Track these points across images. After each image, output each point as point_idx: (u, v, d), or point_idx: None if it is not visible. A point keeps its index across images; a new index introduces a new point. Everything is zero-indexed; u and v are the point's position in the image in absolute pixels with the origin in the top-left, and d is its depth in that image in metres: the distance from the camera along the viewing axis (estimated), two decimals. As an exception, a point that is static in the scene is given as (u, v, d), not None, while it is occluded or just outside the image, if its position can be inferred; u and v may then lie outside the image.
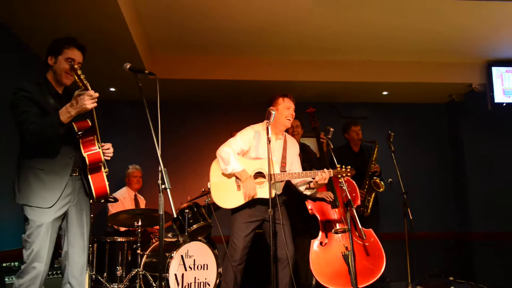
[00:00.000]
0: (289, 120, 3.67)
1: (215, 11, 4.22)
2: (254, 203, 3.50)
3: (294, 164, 3.76)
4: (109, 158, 2.83)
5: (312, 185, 3.59)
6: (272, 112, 3.31)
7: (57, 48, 2.69)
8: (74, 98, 2.47)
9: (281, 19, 4.45)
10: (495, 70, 5.64)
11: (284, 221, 3.57)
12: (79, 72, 2.45)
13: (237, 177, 3.52)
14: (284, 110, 3.64)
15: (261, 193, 3.47)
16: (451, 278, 5.52)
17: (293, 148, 3.82)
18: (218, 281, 4.24)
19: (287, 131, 4.63)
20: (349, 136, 5.13)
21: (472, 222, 5.98)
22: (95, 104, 2.49)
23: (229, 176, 3.55)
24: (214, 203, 3.76)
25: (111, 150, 2.83)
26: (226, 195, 3.51)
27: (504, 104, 5.63)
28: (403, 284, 4.64)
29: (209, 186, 3.60)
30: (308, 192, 3.74)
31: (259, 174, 3.53)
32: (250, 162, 3.57)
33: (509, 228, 5.80)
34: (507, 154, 6.05)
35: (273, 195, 3.40)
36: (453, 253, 6.15)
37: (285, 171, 3.61)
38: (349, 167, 3.59)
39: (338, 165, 3.59)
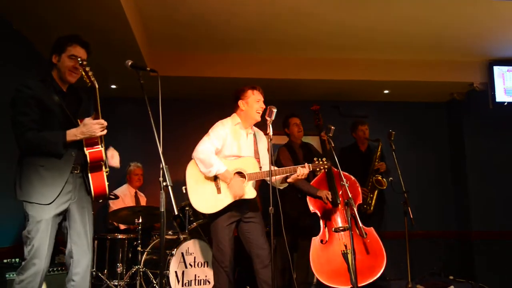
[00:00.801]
0: (259, 113, 3.46)
1: (218, 8, 4.21)
2: (232, 204, 3.34)
3: (264, 158, 3.60)
4: (116, 167, 2.87)
5: (290, 179, 3.45)
6: (274, 110, 3.22)
7: (60, 46, 2.69)
8: (83, 124, 2.52)
9: (282, 17, 4.44)
10: (497, 69, 5.63)
11: (259, 219, 3.48)
12: (88, 69, 2.44)
13: (218, 179, 3.36)
14: (254, 103, 3.46)
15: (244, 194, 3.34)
16: (451, 277, 5.53)
17: (262, 142, 3.65)
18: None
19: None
20: (356, 135, 5.14)
21: (472, 221, 5.97)
22: (105, 132, 2.56)
23: (207, 179, 3.37)
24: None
25: (117, 160, 2.87)
26: (206, 199, 3.33)
27: (506, 103, 5.61)
28: (403, 283, 4.64)
29: (184, 191, 3.39)
30: (281, 186, 3.61)
31: (239, 174, 3.39)
32: (229, 162, 3.40)
33: (509, 227, 5.80)
34: (508, 153, 6.04)
35: (254, 194, 3.37)
36: (453, 252, 6.15)
37: (261, 167, 3.49)
38: (325, 159, 3.51)
39: (315, 158, 3.53)
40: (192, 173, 3.40)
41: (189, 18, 4.41)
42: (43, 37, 3.97)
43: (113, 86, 5.52)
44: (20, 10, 3.61)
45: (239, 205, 3.35)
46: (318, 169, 3.50)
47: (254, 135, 3.57)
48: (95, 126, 2.51)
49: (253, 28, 4.66)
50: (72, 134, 2.52)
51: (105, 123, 2.54)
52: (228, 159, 3.43)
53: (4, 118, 3.45)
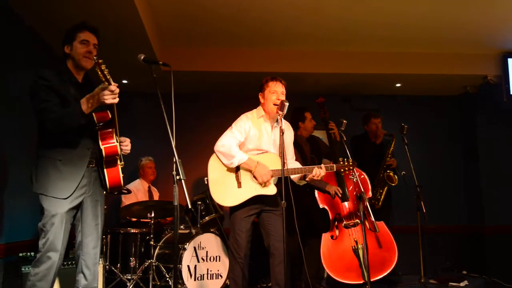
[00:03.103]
0: (276, 105, 3.35)
1: (229, 2, 4.20)
2: (252, 198, 3.34)
3: (288, 150, 3.54)
4: (126, 153, 2.84)
5: (307, 178, 3.46)
6: (286, 103, 3.18)
7: (70, 35, 2.70)
8: (95, 90, 2.47)
9: (293, 10, 4.41)
10: (511, 62, 5.55)
11: (280, 212, 3.48)
12: (103, 67, 2.44)
13: (239, 173, 3.36)
14: (269, 95, 3.42)
15: (263, 189, 3.33)
16: (464, 272, 5.50)
17: (288, 134, 3.57)
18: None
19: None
20: (368, 127, 5.11)
21: (485, 215, 5.92)
22: (116, 100, 2.48)
23: (228, 172, 3.38)
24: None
25: (129, 145, 2.84)
26: (226, 193, 3.35)
27: (520, 96, 5.54)
28: (416, 278, 4.62)
29: (206, 183, 3.42)
30: (300, 183, 3.62)
31: None
32: (251, 156, 3.39)
33: (522, 222, 5.76)
34: (522, 147, 5.98)
35: (275, 191, 3.35)
36: (465, 247, 6.10)
37: (285, 161, 3.47)
38: (351, 160, 3.50)
39: (340, 159, 3.52)
40: (213, 167, 3.42)
41: (199, 12, 4.40)
42: (55, 32, 3.98)
43: (125, 81, 5.54)
44: (32, 6, 3.63)
45: (259, 199, 3.35)
46: (342, 170, 3.48)
47: (281, 128, 3.50)
48: (106, 92, 2.42)
49: (262, 22, 4.64)
50: (85, 101, 2.47)
51: (117, 90, 2.46)
52: (251, 153, 3.42)
53: (20, 111, 3.53)
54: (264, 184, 3.31)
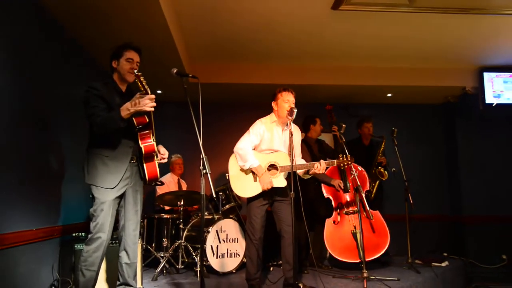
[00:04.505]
0: (288, 112, 3.34)
1: (245, 25, 4.22)
2: (266, 190, 3.35)
3: (296, 150, 3.52)
4: (162, 163, 2.85)
5: (310, 172, 3.44)
6: (294, 110, 3.20)
7: (118, 52, 2.75)
8: (135, 98, 2.50)
9: (302, 34, 4.43)
10: (486, 75, 5.50)
11: (289, 201, 3.41)
12: (142, 78, 2.48)
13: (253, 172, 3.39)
14: (283, 103, 3.39)
15: (275, 182, 3.33)
16: (445, 254, 5.45)
17: (296, 135, 3.55)
18: (247, 252, 4.26)
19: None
20: (361, 131, 5.06)
21: (463, 207, 5.89)
22: (153, 107, 2.50)
23: (246, 170, 3.42)
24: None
25: (166, 159, 2.86)
26: (244, 186, 3.38)
27: (494, 105, 5.49)
28: (404, 259, 4.60)
29: (227, 178, 3.47)
30: (305, 177, 3.61)
31: (272, 167, 3.40)
32: (264, 156, 3.41)
33: (495, 212, 5.74)
34: (496, 147, 5.94)
35: (285, 183, 3.37)
36: (447, 233, 6.05)
37: (294, 158, 3.44)
38: (349, 155, 3.50)
39: (340, 155, 3.51)
40: (233, 164, 3.46)
41: (224, 33, 4.42)
42: (98, 47, 4.03)
43: (159, 91, 5.59)
44: (84, 29, 3.69)
45: (272, 191, 3.36)
46: (342, 164, 3.48)
47: (290, 131, 3.45)
48: (146, 101, 2.44)
49: (278, 42, 4.66)
50: (125, 108, 2.48)
51: (154, 97, 2.47)
52: (264, 152, 3.44)
53: (74, 116, 3.59)
54: (267, 189, 3.31)
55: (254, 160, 3.34)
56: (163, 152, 2.82)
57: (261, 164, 3.36)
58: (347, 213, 4.16)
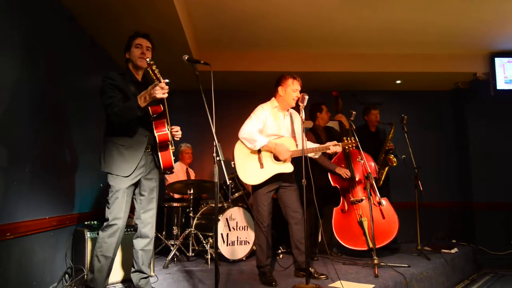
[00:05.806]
0: (294, 100, 3.40)
1: (253, 11, 4.23)
2: (271, 177, 3.36)
3: (299, 134, 3.51)
4: (178, 139, 2.88)
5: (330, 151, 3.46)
6: (306, 97, 3.21)
7: (128, 43, 2.81)
8: (149, 88, 2.52)
9: (309, 20, 4.42)
10: (498, 61, 5.47)
11: (295, 187, 3.47)
12: (154, 67, 2.50)
13: (260, 155, 3.37)
14: (291, 92, 3.40)
15: (282, 168, 3.35)
16: (454, 241, 5.48)
17: (297, 121, 3.56)
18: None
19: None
20: (368, 118, 5.05)
21: (473, 193, 5.91)
22: (166, 95, 2.52)
23: (252, 154, 3.39)
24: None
25: (180, 132, 2.88)
26: (251, 173, 3.36)
27: (505, 91, 5.46)
28: (413, 245, 4.64)
29: (233, 166, 3.42)
30: (315, 156, 3.65)
31: None
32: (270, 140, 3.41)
33: (505, 199, 5.74)
34: (506, 134, 5.92)
35: (292, 169, 3.37)
36: (456, 220, 6.10)
37: (297, 144, 3.47)
38: (353, 138, 3.49)
39: (344, 138, 3.50)
40: (239, 151, 3.43)
41: (232, 23, 4.44)
42: (113, 41, 4.10)
43: (167, 80, 5.60)
44: (94, 19, 3.73)
45: (277, 178, 3.37)
46: (347, 147, 3.50)
47: (291, 115, 3.49)
48: (157, 88, 2.47)
49: (286, 28, 4.67)
50: (142, 96, 2.52)
51: (166, 87, 2.50)
52: (269, 138, 3.41)
53: (90, 107, 3.64)
54: (284, 160, 3.32)
55: (263, 138, 3.34)
56: (176, 128, 2.86)
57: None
58: (353, 202, 4.20)
